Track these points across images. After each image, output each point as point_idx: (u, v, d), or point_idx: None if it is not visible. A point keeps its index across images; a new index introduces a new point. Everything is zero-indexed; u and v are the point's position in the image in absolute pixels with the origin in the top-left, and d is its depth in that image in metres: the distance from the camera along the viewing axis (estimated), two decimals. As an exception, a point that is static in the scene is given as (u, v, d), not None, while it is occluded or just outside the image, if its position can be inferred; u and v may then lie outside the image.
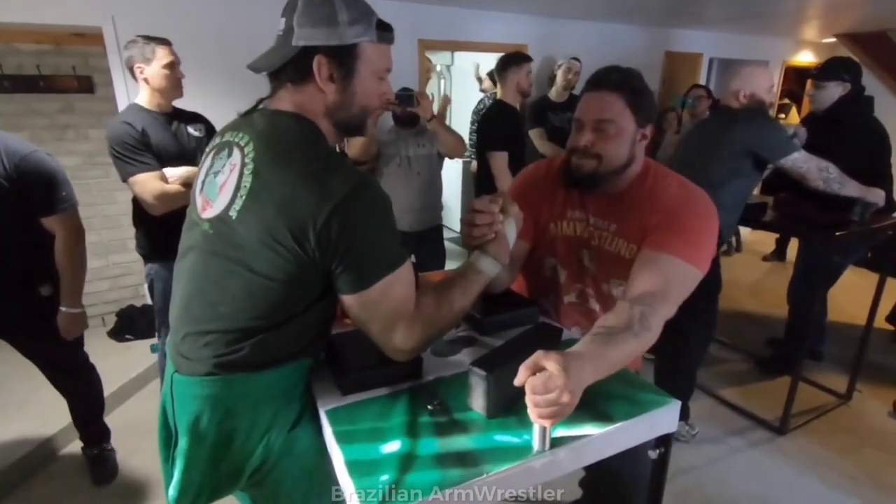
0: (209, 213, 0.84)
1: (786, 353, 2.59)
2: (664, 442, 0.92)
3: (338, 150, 1.00)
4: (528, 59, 2.71)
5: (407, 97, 2.27)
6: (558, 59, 3.47)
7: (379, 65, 0.86)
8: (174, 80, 1.78)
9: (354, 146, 2.31)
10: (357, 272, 0.79)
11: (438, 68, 5.92)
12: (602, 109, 1.08)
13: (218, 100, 2.65)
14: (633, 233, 1.11)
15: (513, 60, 2.67)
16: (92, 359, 1.91)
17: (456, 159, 2.74)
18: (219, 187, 0.84)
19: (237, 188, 0.80)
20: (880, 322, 2.61)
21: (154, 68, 1.73)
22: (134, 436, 2.10)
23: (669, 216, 1.06)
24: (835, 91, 2.23)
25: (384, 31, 0.85)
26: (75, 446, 2.02)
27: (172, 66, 1.76)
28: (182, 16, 2.67)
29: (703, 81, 4.78)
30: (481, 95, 4.26)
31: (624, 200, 1.14)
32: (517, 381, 0.72)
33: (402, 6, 3.24)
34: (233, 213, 0.80)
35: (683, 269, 1.01)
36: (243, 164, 0.81)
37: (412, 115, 2.38)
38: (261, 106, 0.90)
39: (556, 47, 3.80)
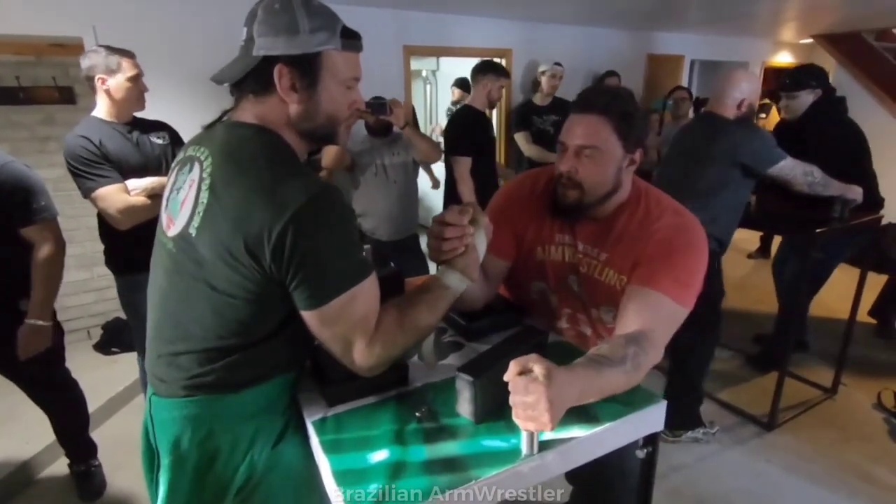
0: (172, 231, 0.83)
1: (774, 349, 2.62)
2: (651, 441, 0.93)
3: (306, 159, 0.96)
4: (506, 74, 2.73)
5: (379, 106, 2.23)
6: (541, 63, 3.51)
7: (345, 73, 0.83)
8: (137, 93, 1.75)
9: (328, 156, 2.28)
10: (314, 287, 0.76)
11: (424, 73, 5.94)
12: (586, 135, 1.02)
13: (201, 110, 2.62)
14: (624, 264, 1.07)
15: (492, 68, 2.67)
16: (78, 372, 1.88)
17: (442, 164, 2.74)
18: (180, 204, 0.82)
19: (195, 204, 0.78)
20: (863, 316, 2.65)
21: (118, 80, 1.69)
22: (121, 450, 2.06)
23: (662, 250, 1.02)
24: (807, 99, 2.28)
25: (350, 39, 0.82)
26: (62, 462, 1.98)
27: (136, 79, 1.73)
28: (163, 25, 2.65)
29: (684, 83, 4.85)
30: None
31: (614, 229, 1.10)
32: (505, 377, 0.72)
33: (386, 13, 3.25)
34: (192, 231, 0.78)
35: (673, 309, 0.98)
36: (201, 180, 0.79)
37: (385, 123, 2.35)
38: (224, 118, 0.88)
39: (539, 52, 3.84)
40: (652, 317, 0.96)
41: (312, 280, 0.75)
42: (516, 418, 0.72)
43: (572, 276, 1.17)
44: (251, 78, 0.80)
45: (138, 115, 1.84)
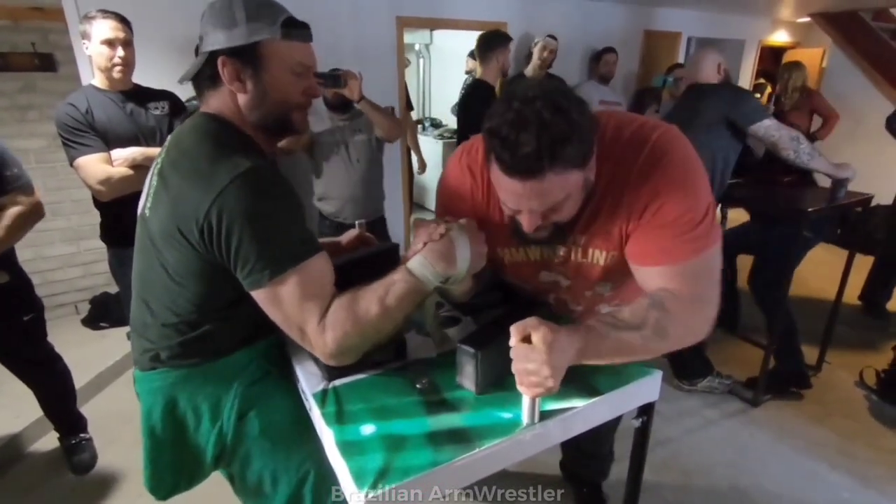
0: (139, 211, 0.90)
1: (786, 368, 2.35)
2: (646, 411, 0.94)
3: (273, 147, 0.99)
4: (510, 38, 2.70)
5: (333, 77, 2.08)
6: (536, 36, 3.44)
7: (290, 61, 0.86)
8: (112, 57, 1.62)
9: None
10: (251, 267, 0.77)
11: (417, 47, 5.82)
12: (542, 198, 0.78)
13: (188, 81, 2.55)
14: (610, 240, 0.91)
15: (499, 40, 2.64)
16: (67, 347, 1.86)
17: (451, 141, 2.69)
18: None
19: (149, 187, 0.86)
20: (849, 297, 2.70)
21: (94, 45, 1.61)
22: (112, 424, 2.06)
23: (654, 212, 0.83)
24: None
25: (293, 29, 0.85)
26: (52, 436, 1.97)
27: (111, 44, 1.61)
28: (149, -11, 2.54)
29: (681, 60, 4.80)
30: (463, 77, 4.23)
31: (586, 209, 0.89)
32: (511, 342, 0.72)
33: (379, -19, 3.15)
34: (147, 212, 0.85)
35: (700, 263, 0.83)
36: (156, 165, 0.87)
37: (343, 97, 2.20)
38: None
39: (535, 25, 3.76)
40: (680, 282, 0.84)
41: (249, 259, 0.77)
42: (520, 385, 0.72)
43: (544, 272, 1.04)
44: (203, 73, 0.86)
45: (142, 83, 1.77)
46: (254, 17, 0.82)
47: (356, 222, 1.33)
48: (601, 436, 1.41)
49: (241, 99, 0.85)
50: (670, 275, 0.84)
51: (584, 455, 1.52)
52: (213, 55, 0.83)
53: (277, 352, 1.00)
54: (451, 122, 5.06)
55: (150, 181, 0.86)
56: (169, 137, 0.89)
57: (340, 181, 2.32)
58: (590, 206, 0.88)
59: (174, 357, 0.89)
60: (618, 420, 1.05)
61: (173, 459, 0.95)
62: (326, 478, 0.88)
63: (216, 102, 0.87)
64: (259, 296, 0.79)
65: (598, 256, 0.95)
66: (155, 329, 0.89)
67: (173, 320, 0.86)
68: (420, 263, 0.83)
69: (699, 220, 0.82)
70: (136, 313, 0.93)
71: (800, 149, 1.97)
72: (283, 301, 0.78)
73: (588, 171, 0.80)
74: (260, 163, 0.79)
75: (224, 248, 0.76)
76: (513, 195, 0.79)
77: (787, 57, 5.21)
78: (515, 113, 0.72)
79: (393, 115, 2.33)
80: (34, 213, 1.57)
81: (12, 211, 1.51)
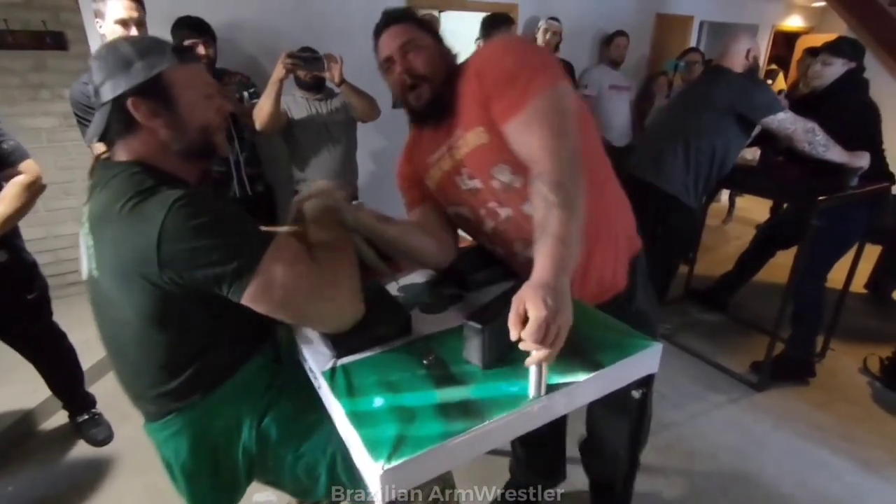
0: (83, 275, 0.90)
1: (796, 355, 2.37)
2: (645, 383, 0.95)
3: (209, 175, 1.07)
4: (513, 21, 2.70)
5: (313, 60, 2.07)
6: (541, 19, 3.40)
7: (197, 83, 0.88)
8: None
9: (261, 118, 2.08)
10: (225, 281, 0.78)
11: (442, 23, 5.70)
12: (397, 37, 1.05)
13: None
14: (472, 118, 1.02)
15: (501, 21, 2.62)
16: (78, 325, 1.87)
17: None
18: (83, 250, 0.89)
19: (86, 250, 0.86)
20: (856, 286, 2.69)
21: (107, 23, 1.62)
22: (125, 402, 2.09)
23: (494, 76, 0.97)
24: (840, 69, 2.15)
25: (184, 53, 0.87)
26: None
27: (125, 24, 1.62)
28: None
29: (693, 44, 4.72)
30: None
31: (454, 104, 1.06)
32: (513, 337, 0.72)
33: (388, -38, 3.11)
34: (94, 273, 0.85)
35: (545, 102, 0.91)
36: (82, 228, 0.87)
37: (317, 77, 2.22)
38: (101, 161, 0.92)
39: (545, 8, 3.71)
40: (539, 129, 0.90)
41: (218, 277, 0.78)
42: (539, 348, 0.71)
43: (457, 178, 1.12)
44: (112, 124, 0.84)
45: None
46: (145, 52, 0.82)
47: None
48: (603, 434, 1.42)
49: (164, 134, 0.85)
50: (524, 125, 0.92)
51: (590, 450, 1.54)
52: (119, 101, 0.82)
53: (272, 366, 1.02)
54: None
55: (85, 244, 0.86)
56: (88, 196, 0.88)
57: (323, 163, 2.32)
58: (456, 100, 1.05)
59: (180, 398, 0.91)
60: (638, 428, 1.06)
61: (213, 484, 0.98)
62: (349, 453, 0.91)
63: (135, 146, 0.86)
64: (251, 293, 0.79)
65: (473, 138, 1.03)
66: (148, 383, 0.90)
67: (162, 365, 0.88)
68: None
69: (521, 66, 0.94)
70: (124, 378, 0.95)
71: (815, 140, 1.95)
72: (275, 281, 0.80)
73: (441, 46, 1.10)
74: (189, 189, 0.80)
75: (193, 269, 0.77)
76: (380, 49, 1.09)
77: (802, 42, 5.11)
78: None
79: (370, 96, 2.29)
80: (38, 183, 1.52)
81: (19, 180, 1.47)
